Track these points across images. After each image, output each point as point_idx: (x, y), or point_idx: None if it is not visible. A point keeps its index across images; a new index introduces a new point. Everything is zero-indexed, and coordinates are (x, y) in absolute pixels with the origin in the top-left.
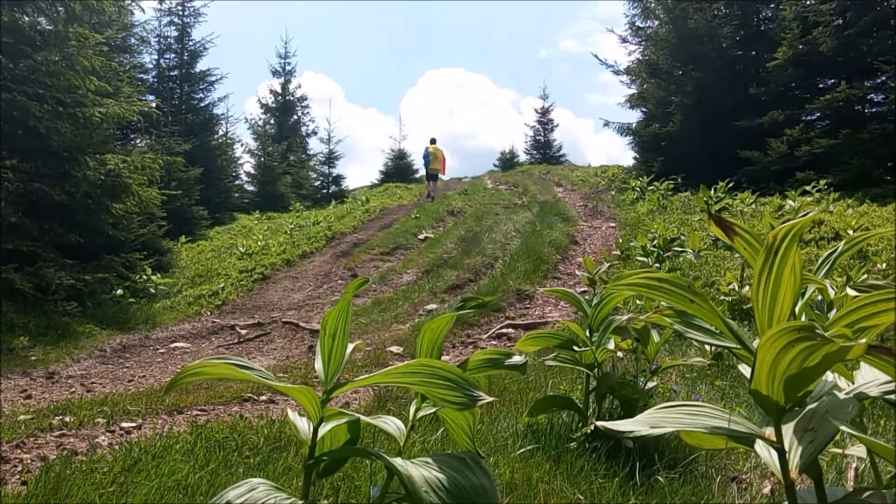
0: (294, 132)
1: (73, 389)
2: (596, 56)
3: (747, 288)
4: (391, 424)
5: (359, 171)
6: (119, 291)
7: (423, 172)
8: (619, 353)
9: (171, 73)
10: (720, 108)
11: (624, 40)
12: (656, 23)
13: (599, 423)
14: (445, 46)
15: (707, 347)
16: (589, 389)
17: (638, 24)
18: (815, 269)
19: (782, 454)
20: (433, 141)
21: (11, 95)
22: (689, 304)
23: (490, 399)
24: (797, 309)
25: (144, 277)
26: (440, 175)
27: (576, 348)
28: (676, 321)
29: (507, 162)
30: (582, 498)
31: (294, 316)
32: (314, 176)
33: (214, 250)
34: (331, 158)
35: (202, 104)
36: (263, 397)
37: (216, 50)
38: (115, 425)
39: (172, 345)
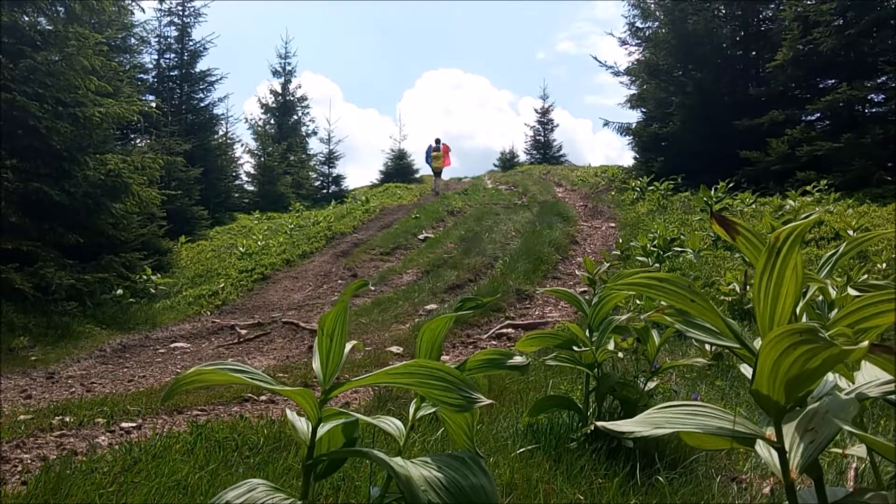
0: (294, 132)
1: (73, 389)
2: (595, 58)
3: (748, 288)
4: (391, 424)
5: (359, 171)
6: (119, 291)
7: (423, 172)
8: (620, 354)
9: (171, 73)
10: (720, 108)
11: (623, 42)
12: (656, 24)
13: (600, 424)
14: (443, 48)
15: (707, 347)
16: (589, 389)
17: (637, 24)
18: (818, 269)
19: (783, 454)
20: (437, 140)
21: (11, 95)
22: (689, 303)
23: (487, 402)
24: (798, 309)
25: (144, 277)
26: (443, 172)
27: (576, 348)
28: (678, 320)
29: (507, 162)
30: (582, 498)
31: (294, 316)
32: (314, 176)
33: (214, 250)
34: (331, 158)
35: (202, 104)
36: (263, 397)
37: (216, 50)
38: (115, 425)
39: (172, 345)
